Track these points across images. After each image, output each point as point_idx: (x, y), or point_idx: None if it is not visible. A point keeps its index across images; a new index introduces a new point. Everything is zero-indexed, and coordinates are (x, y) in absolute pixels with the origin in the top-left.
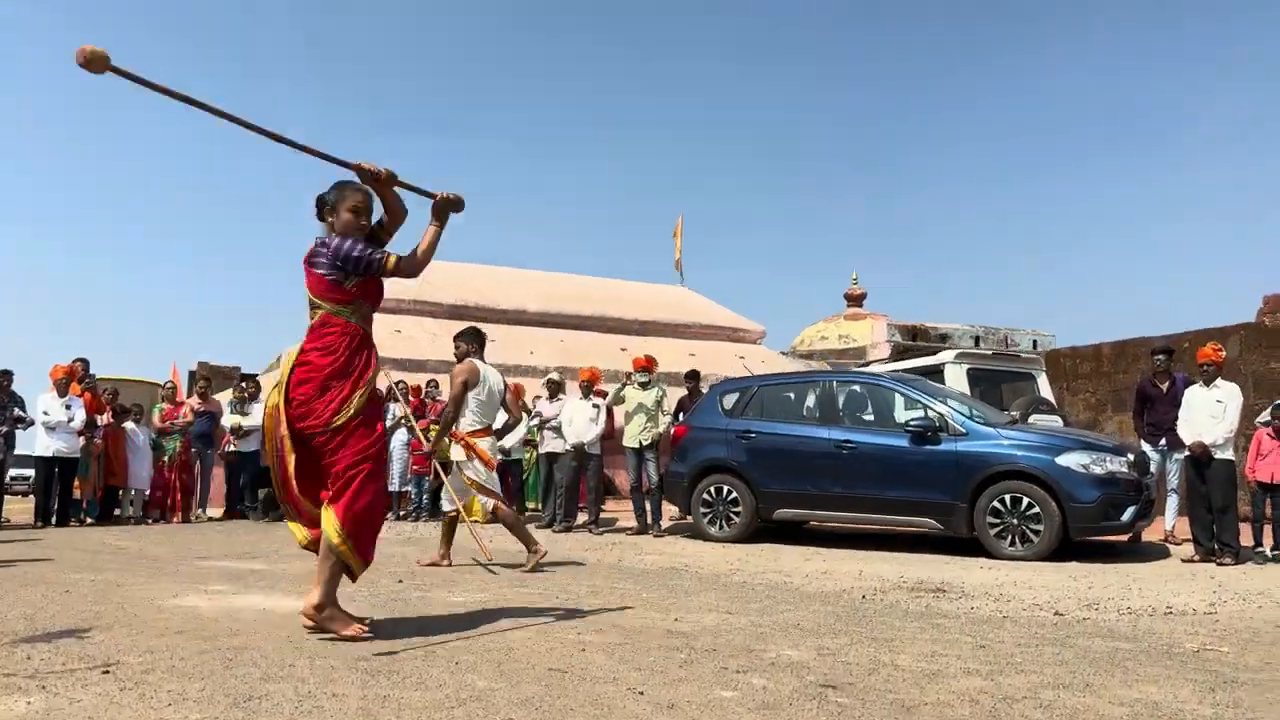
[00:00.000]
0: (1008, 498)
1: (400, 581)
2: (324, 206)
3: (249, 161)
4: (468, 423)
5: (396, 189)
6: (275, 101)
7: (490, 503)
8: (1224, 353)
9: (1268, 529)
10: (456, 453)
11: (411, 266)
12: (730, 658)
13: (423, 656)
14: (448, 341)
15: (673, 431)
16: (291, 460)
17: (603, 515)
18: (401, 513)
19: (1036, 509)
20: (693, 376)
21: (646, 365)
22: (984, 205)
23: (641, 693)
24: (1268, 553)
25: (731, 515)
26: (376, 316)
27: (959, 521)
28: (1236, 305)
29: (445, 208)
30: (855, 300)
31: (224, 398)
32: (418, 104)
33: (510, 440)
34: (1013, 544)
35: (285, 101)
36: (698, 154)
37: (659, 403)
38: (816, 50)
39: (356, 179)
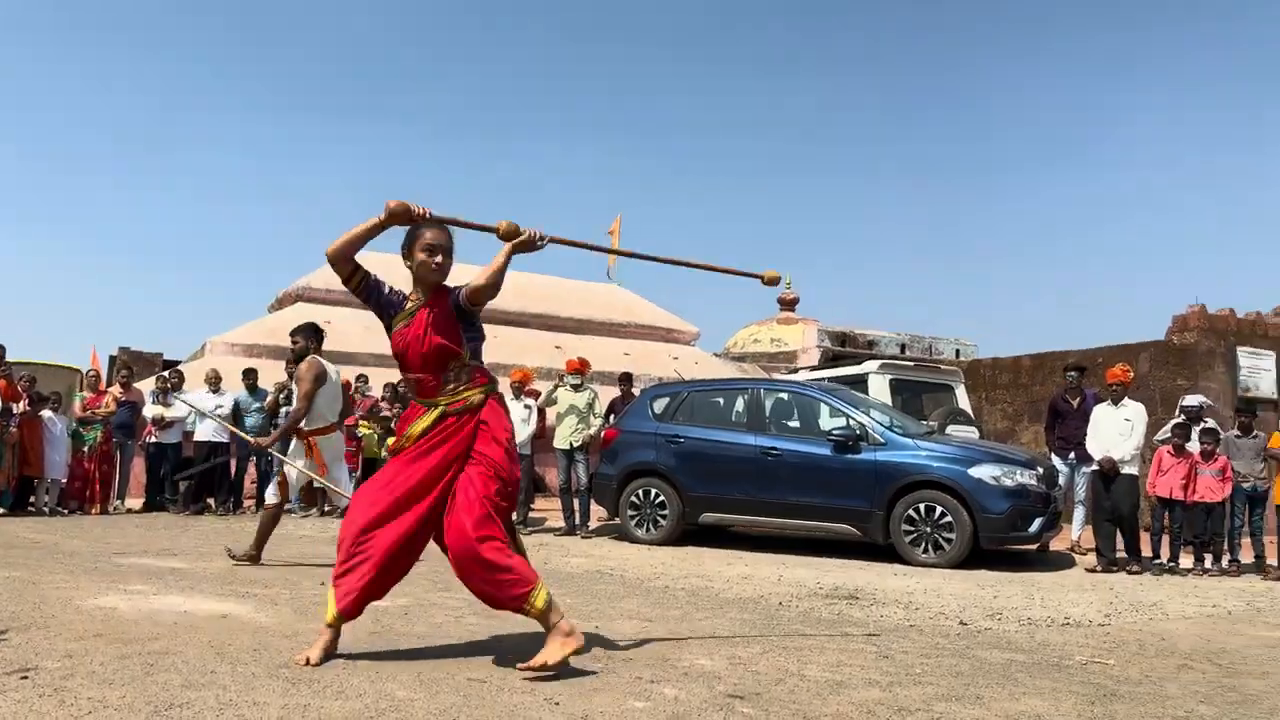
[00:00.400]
0: (922, 506)
1: (322, 584)
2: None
3: (171, 131)
4: (312, 420)
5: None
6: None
7: (274, 495)
8: (1132, 373)
9: (1165, 541)
10: (296, 449)
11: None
12: (646, 667)
13: (343, 665)
14: (381, 334)
15: (603, 434)
16: None
17: (531, 515)
18: (327, 508)
19: (949, 518)
20: (626, 379)
21: (579, 368)
22: (914, 213)
23: (557, 703)
24: (1165, 564)
25: (658, 518)
26: (307, 307)
27: (876, 529)
28: (1149, 323)
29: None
30: (788, 305)
31: (145, 386)
32: (343, 86)
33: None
34: (926, 551)
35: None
36: (637, 151)
37: (590, 405)
38: (754, 51)
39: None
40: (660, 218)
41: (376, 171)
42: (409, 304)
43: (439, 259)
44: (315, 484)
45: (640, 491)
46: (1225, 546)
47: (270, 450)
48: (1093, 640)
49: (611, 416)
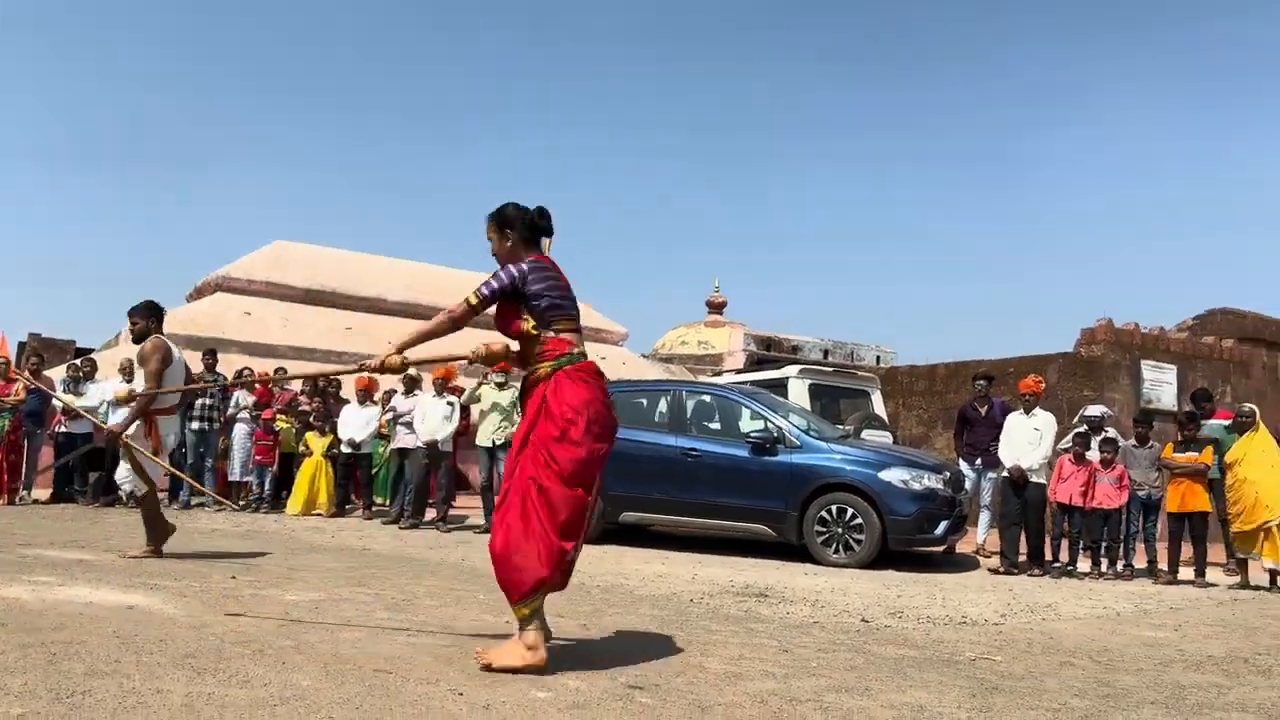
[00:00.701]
0: (834, 508)
1: (233, 577)
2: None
3: (87, 115)
4: (156, 400)
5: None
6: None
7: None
8: (1044, 384)
9: (1065, 545)
10: (136, 431)
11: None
12: (553, 660)
13: (250, 655)
14: (301, 326)
15: None
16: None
17: (452, 513)
18: (241, 503)
19: (859, 520)
20: None
21: (504, 366)
22: (844, 223)
23: (461, 694)
24: (1064, 567)
25: None
26: (226, 297)
27: (790, 529)
28: (1059, 335)
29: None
30: (716, 308)
31: (56, 375)
32: (260, 68)
33: (362, 434)
34: (837, 552)
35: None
36: (567, 151)
37: (515, 404)
38: (686, 54)
39: None
40: (591, 219)
41: (301, 156)
42: None
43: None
44: (230, 477)
45: None
46: (1121, 552)
47: (126, 438)
48: (985, 638)
49: None
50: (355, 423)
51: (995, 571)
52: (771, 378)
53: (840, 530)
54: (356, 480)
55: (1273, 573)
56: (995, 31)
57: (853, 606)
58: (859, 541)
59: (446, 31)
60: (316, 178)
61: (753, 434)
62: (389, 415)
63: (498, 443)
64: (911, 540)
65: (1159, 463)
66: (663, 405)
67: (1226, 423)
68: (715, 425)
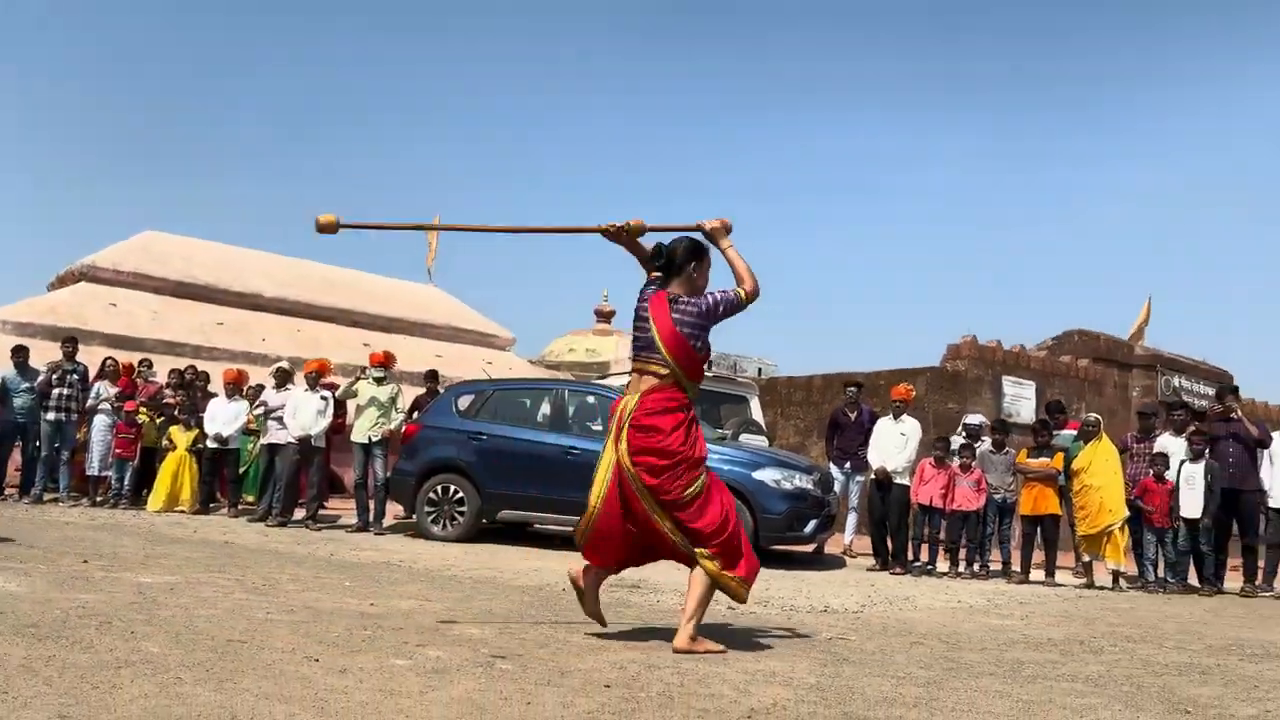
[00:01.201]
0: None
1: (85, 561)
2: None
3: None
4: None
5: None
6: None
7: None
8: (914, 392)
9: (926, 545)
10: None
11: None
12: (415, 635)
13: (97, 626)
14: (170, 320)
15: (404, 429)
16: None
17: (324, 512)
18: (99, 498)
19: None
20: (431, 377)
21: (383, 360)
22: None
23: (317, 660)
24: (924, 566)
25: (456, 515)
26: (90, 288)
27: None
28: (928, 351)
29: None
30: (604, 316)
31: None
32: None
33: (230, 428)
34: None
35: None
36: (458, 154)
37: (393, 399)
38: (567, 58)
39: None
40: (482, 218)
41: (173, 148)
42: None
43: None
44: (88, 471)
45: (439, 488)
46: (977, 552)
47: None
48: (844, 623)
49: (415, 415)
50: (223, 416)
51: (872, 569)
52: None
53: None
54: (223, 477)
55: (1115, 573)
56: (868, 53)
57: (721, 596)
58: None
59: (322, 25)
60: (184, 167)
61: None
62: (259, 409)
63: (374, 439)
64: (781, 538)
65: (1014, 467)
66: (545, 404)
67: (1075, 432)
68: (598, 425)
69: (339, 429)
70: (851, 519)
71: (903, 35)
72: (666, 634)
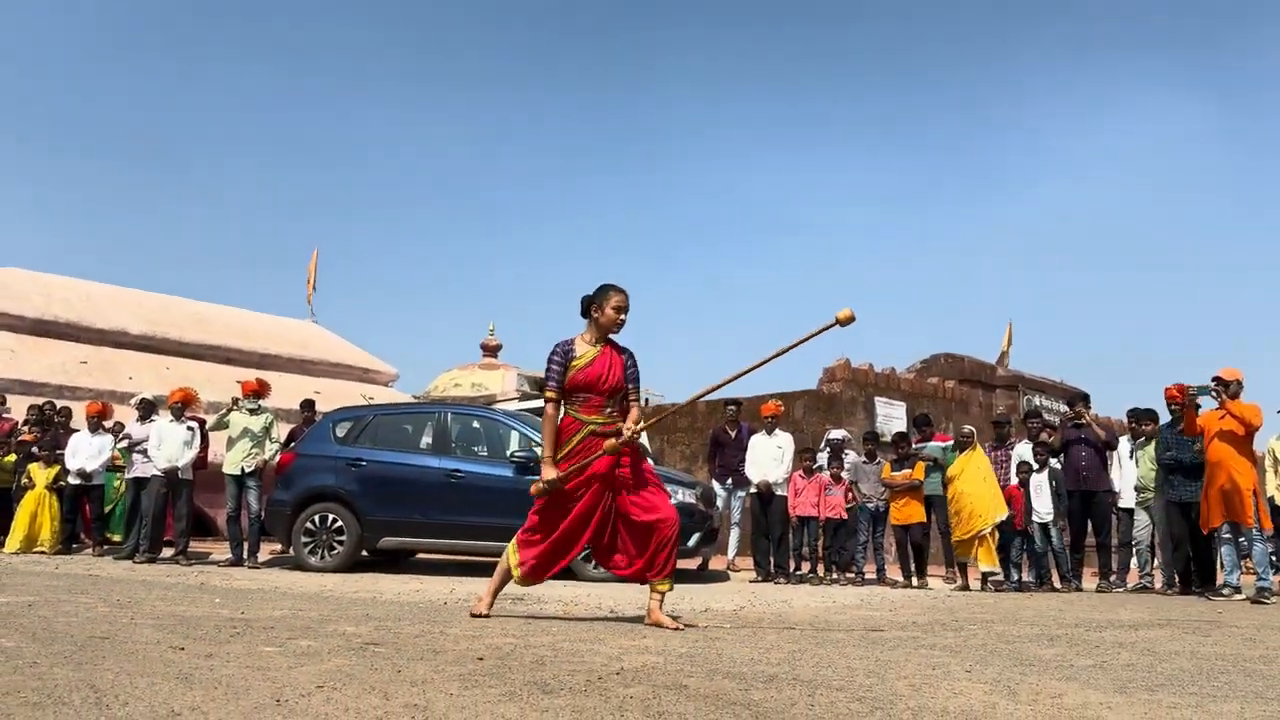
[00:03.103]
0: None
1: None
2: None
3: None
4: None
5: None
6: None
7: None
8: (782, 407)
9: (806, 554)
10: None
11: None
12: (287, 632)
13: None
14: (28, 359)
15: (279, 459)
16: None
17: (195, 549)
18: None
19: None
20: (307, 406)
21: (257, 390)
22: (611, 267)
23: (182, 648)
24: (804, 574)
25: (335, 544)
26: None
27: None
28: (805, 375)
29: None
30: (491, 351)
31: None
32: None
33: (93, 463)
34: (596, 567)
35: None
36: (341, 184)
37: (267, 429)
38: (442, 89)
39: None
40: (362, 265)
41: (36, 181)
42: (586, 350)
43: (623, 318)
44: None
45: (317, 517)
46: (851, 559)
47: None
48: (722, 619)
49: (291, 445)
50: (86, 451)
51: (755, 580)
52: (539, 406)
53: None
54: (86, 515)
55: (985, 575)
56: (744, 98)
57: (602, 605)
58: None
59: (192, 57)
60: (46, 200)
61: (517, 454)
62: (123, 442)
63: (246, 470)
64: None
65: (880, 481)
66: (427, 429)
67: (945, 444)
68: (482, 448)
69: (201, 464)
70: (734, 535)
71: (774, 79)
72: (545, 627)
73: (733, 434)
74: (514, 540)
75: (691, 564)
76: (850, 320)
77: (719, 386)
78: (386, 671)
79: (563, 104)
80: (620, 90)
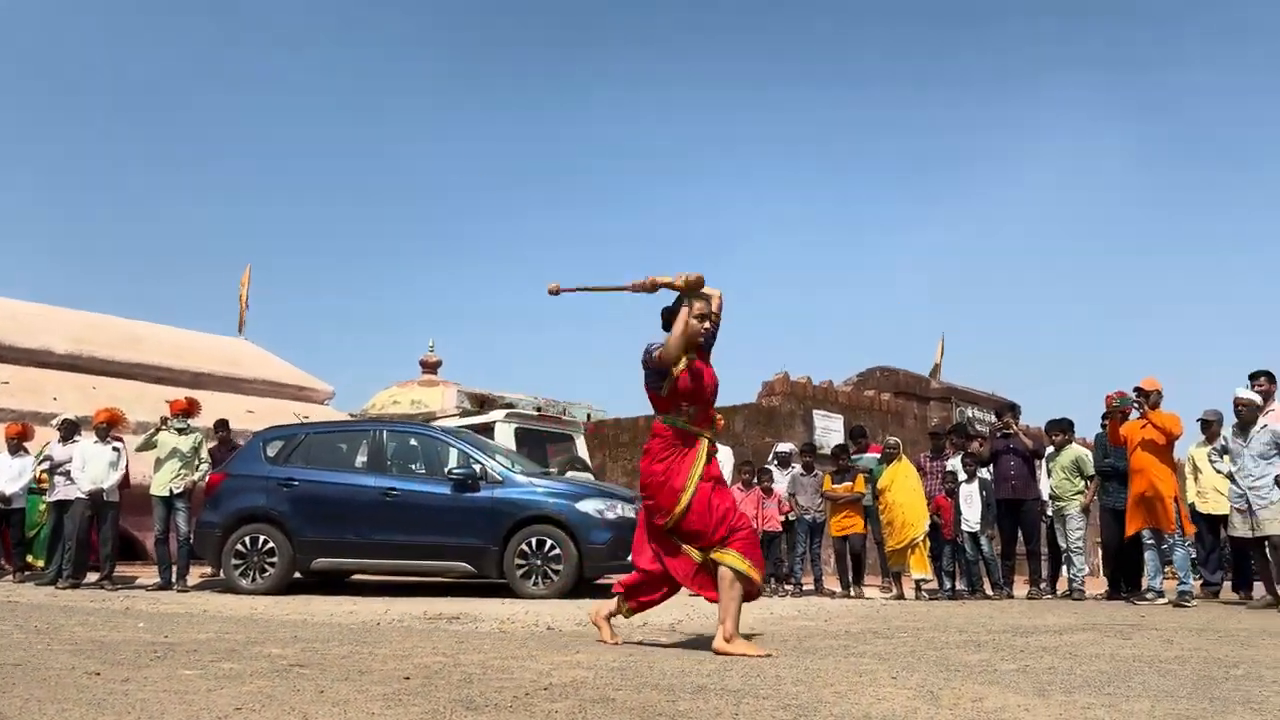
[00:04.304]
0: (534, 540)
1: None
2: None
3: None
4: None
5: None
6: None
7: None
8: (723, 420)
9: None
10: None
11: (664, 354)
12: (210, 655)
13: None
14: None
15: (208, 479)
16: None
17: (121, 574)
18: None
19: (558, 550)
20: (222, 426)
21: (186, 408)
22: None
23: (98, 674)
24: None
25: (266, 566)
26: None
27: (491, 565)
28: (746, 388)
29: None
30: (430, 367)
31: None
32: None
33: (13, 486)
34: (536, 583)
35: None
36: (277, 200)
37: (196, 449)
38: (372, 106)
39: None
40: (298, 283)
41: None
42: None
43: (708, 325)
44: None
45: (248, 539)
46: (790, 571)
47: None
48: (658, 633)
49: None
50: (5, 474)
51: (694, 595)
52: (479, 422)
53: (539, 562)
54: (6, 540)
55: (918, 583)
56: (688, 119)
57: (541, 620)
58: (557, 572)
59: (118, 73)
60: None
61: (454, 471)
62: (45, 465)
63: (175, 491)
64: (606, 567)
65: (822, 493)
66: (362, 447)
67: (879, 456)
68: (418, 465)
69: (125, 485)
70: None
71: (712, 97)
72: (478, 646)
73: None
74: (735, 550)
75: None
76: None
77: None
78: (309, 693)
79: (501, 118)
80: (560, 105)
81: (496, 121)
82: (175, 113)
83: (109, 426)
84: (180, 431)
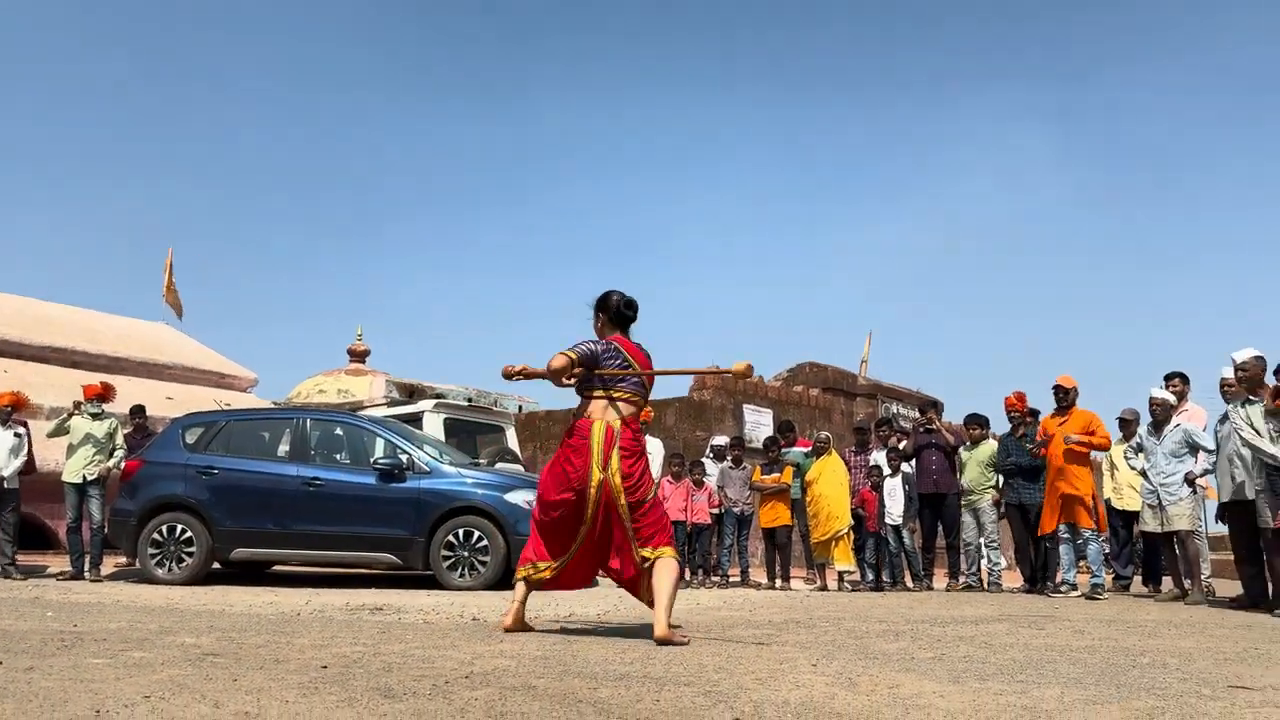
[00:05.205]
0: (461, 532)
1: None
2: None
3: None
4: None
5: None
6: None
7: None
8: (652, 413)
9: None
10: None
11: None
12: (120, 644)
13: None
14: None
15: (124, 466)
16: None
17: (33, 562)
18: None
19: (485, 542)
20: (138, 412)
21: (101, 393)
22: (475, 272)
23: (0, 662)
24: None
25: (184, 556)
26: None
27: (416, 556)
28: (677, 381)
29: None
30: (358, 356)
31: None
32: None
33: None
34: (462, 575)
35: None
36: (203, 185)
37: (111, 435)
38: (307, 97)
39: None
40: (225, 269)
41: None
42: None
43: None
44: None
45: (165, 528)
46: (717, 562)
47: None
48: (585, 623)
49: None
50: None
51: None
52: (407, 412)
53: (467, 554)
54: None
55: (842, 574)
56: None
57: (467, 611)
58: (484, 564)
59: (38, 56)
60: None
61: (379, 461)
62: None
63: (89, 478)
64: None
65: (750, 485)
66: (285, 436)
67: (807, 449)
68: (343, 455)
69: (28, 471)
70: None
71: (645, 93)
72: (400, 636)
73: None
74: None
75: None
76: (747, 373)
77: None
78: (221, 681)
79: (433, 108)
80: (494, 98)
81: (429, 113)
82: (98, 95)
83: (11, 410)
84: (94, 417)
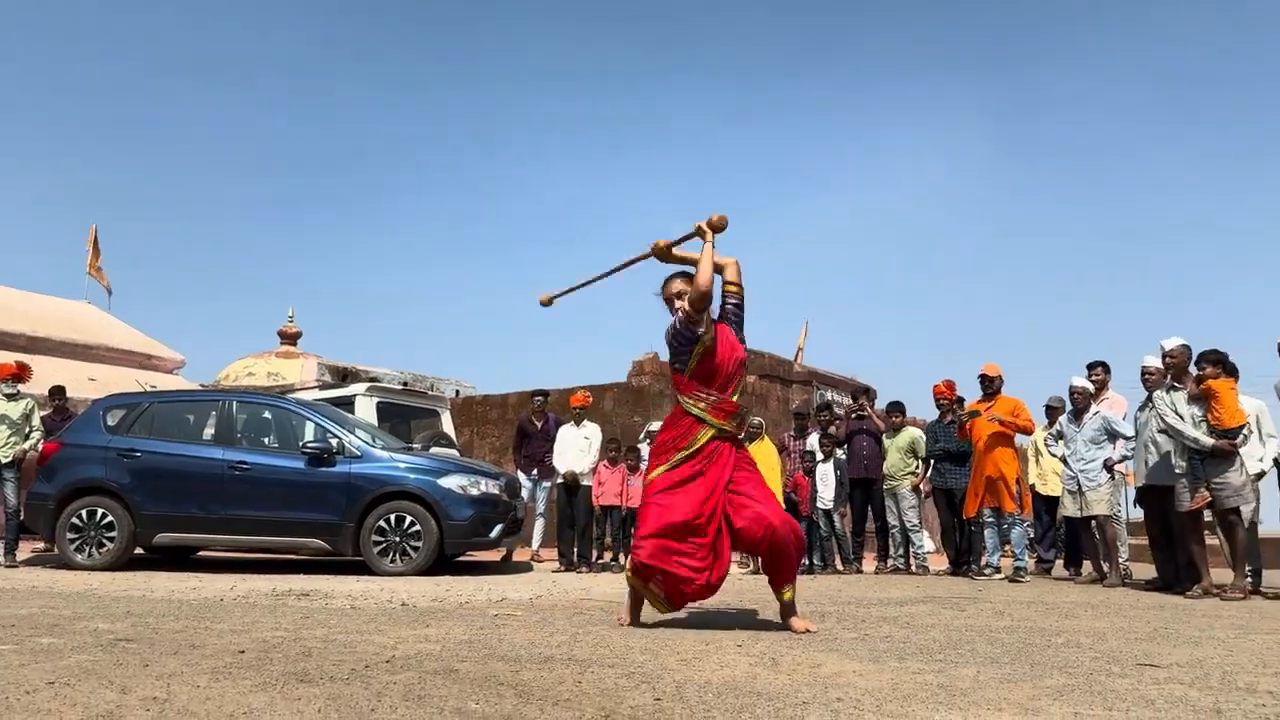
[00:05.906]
0: (393, 517)
1: None
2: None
3: None
4: None
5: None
6: None
7: None
8: (590, 398)
9: (609, 542)
10: None
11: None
12: (29, 630)
13: None
14: None
15: (41, 448)
16: None
17: None
18: None
19: (418, 527)
20: (57, 393)
21: (17, 373)
22: (417, 260)
23: None
24: (606, 563)
25: (105, 541)
26: None
27: (346, 541)
28: (617, 368)
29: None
30: (289, 338)
31: None
32: None
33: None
34: (393, 560)
35: None
36: (136, 165)
37: (28, 416)
38: (272, 77)
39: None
40: (153, 249)
41: None
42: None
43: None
44: None
45: (84, 512)
46: None
47: None
48: (516, 607)
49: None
50: None
51: (558, 571)
52: (339, 395)
53: (398, 539)
54: None
55: None
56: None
57: (395, 598)
58: (416, 549)
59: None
60: None
61: (309, 445)
62: None
63: (4, 460)
64: (467, 544)
65: None
66: (211, 419)
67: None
68: (271, 438)
69: None
70: (539, 526)
71: (590, 81)
72: (324, 620)
73: (539, 424)
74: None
75: (495, 555)
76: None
77: (583, 285)
78: (132, 666)
79: (371, 91)
80: (431, 82)
81: (365, 95)
82: (19, 67)
83: None
84: (9, 398)
